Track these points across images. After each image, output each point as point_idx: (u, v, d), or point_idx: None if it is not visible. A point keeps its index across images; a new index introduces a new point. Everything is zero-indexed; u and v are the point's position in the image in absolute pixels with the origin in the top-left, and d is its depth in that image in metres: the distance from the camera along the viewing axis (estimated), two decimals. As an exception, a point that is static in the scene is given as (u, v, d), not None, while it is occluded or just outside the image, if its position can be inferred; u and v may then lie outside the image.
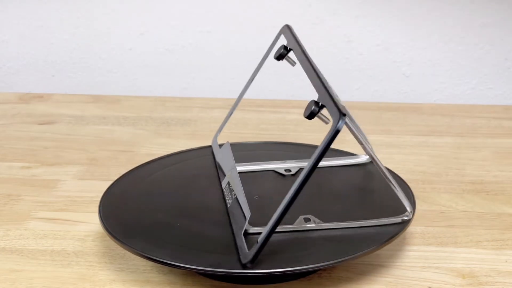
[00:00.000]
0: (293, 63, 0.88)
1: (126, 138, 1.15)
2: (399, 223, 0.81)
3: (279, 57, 0.88)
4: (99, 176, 1.03)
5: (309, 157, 0.92)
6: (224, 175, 0.90)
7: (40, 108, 1.27)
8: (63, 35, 1.35)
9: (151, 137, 1.16)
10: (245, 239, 0.77)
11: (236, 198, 0.83)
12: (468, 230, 0.89)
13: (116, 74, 1.36)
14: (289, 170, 0.93)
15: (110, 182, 0.91)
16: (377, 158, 0.80)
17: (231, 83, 1.34)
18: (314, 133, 1.12)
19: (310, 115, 0.73)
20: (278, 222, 0.73)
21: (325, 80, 0.90)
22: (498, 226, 0.90)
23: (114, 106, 1.28)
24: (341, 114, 0.70)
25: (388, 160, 1.02)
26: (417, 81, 1.32)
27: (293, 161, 0.94)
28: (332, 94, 0.73)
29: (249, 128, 1.18)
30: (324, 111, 0.73)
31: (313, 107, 0.73)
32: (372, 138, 0.96)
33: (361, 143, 0.79)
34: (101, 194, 0.88)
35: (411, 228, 0.89)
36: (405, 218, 0.81)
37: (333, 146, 0.97)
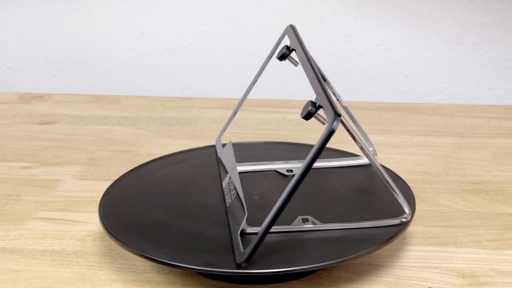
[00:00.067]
0: (295, 64, 0.88)
1: (126, 138, 1.15)
2: (397, 225, 0.81)
3: (282, 57, 0.88)
4: (99, 176, 1.03)
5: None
6: (226, 175, 0.90)
7: (40, 108, 1.28)
8: (63, 35, 1.35)
9: (151, 137, 1.16)
10: (242, 239, 0.77)
11: (235, 198, 0.84)
12: (468, 230, 0.89)
13: (116, 74, 1.36)
14: (291, 171, 0.93)
15: (110, 182, 0.91)
16: (376, 160, 0.79)
17: (231, 83, 1.34)
18: (314, 133, 1.12)
19: (307, 116, 0.73)
20: (272, 222, 0.73)
21: (325, 81, 0.90)
22: (498, 226, 0.90)
23: (114, 106, 1.28)
24: (336, 114, 0.70)
25: (388, 160, 1.02)
26: (417, 81, 1.32)
27: (296, 161, 0.94)
28: (329, 95, 0.73)
29: (249, 128, 1.18)
30: (322, 112, 0.73)
31: (309, 108, 0.73)
32: (372, 138, 0.96)
33: (359, 144, 0.78)
34: (101, 194, 0.88)
35: (411, 228, 0.89)
36: (404, 220, 0.81)
37: (335, 146, 0.98)
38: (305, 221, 0.81)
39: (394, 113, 1.24)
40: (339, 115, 0.70)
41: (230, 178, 0.88)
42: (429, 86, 1.32)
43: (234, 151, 0.91)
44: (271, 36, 1.31)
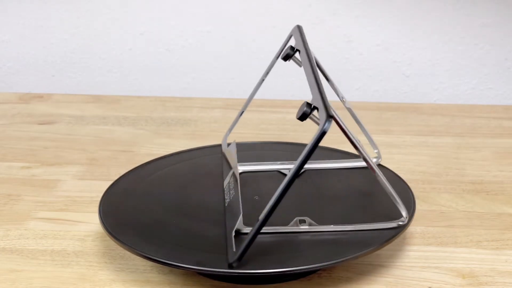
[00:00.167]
0: (300, 64, 0.88)
1: (126, 138, 1.15)
2: (394, 228, 0.80)
3: (286, 57, 0.88)
4: (99, 176, 1.03)
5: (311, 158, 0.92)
6: (227, 175, 0.90)
7: (40, 108, 1.28)
8: (63, 35, 1.35)
9: (151, 137, 1.16)
10: (238, 239, 0.77)
11: (234, 197, 0.84)
12: (468, 230, 0.89)
13: (116, 74, 1.36)
14: None
15: (110, 182, 0.91)
16: (372, 161, 0.79)
17: (231, 83, 1.34)
18: (314, 133, 1.12)
19: (302, 117, 0.74)
20: (264, 223, 0.73)
21: (329, 81, 0.90)
22: (498, 226, 0.90)
23: (114, 106, 1.28)
24: (328, 116, 0.70)
25: (388, 160, 1.02)
26: (417, 81, 1.32)
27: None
28: (324, 97, 0.73)
29: (249, 128, 1.18)
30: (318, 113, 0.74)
31: (305, 109, 0.73)
32: (372, 138, 0.96)
33: (354, 146, 0.78)
34: (101, 194, 0.88)
35: (411, 228, 0.89)
36: (400, 223, 0.81)
37: (338, 147, 0.98)
38: (302, 222, 0.81)
39: (394, 113, 1.24)
40: (331, 116, 0.70)
41: (230, 177, 0.88)
42: (429, 86, 1.32)
43: (238, 151, 0.92)
44: (271, 36, 1.32)
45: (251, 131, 1.17)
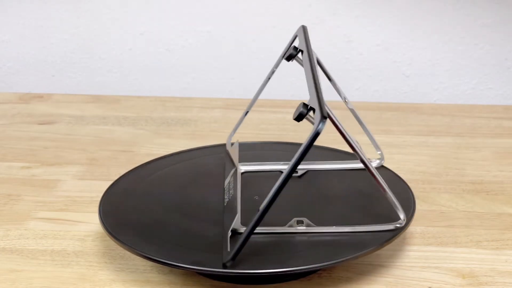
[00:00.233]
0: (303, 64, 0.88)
1: (126, 138, 1.15)
2: (392, 230, 0.80)
3: (289, 57, 0.88)
4: (99, 176, 1.03)
5: (311, 158, 0.92)
6: (228, 174, 0.90)
7: (40, 108, 1.28)
8: (63, 35, 1.35)
9: (151, 137, 1.16)
10: (234, 238, 0.77)
11: (233, 197, 0.84)
12: (468, 230, 0.89)
13: (116, 74, 1.36)
14: (296, 172, 0.93)
15: (110, 182, 0.91)
16: (371, 164, 0.79)
17: (231, 83, 1.34)
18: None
19: (298, 117, 0.74)
20: (257, 223, 0.73)
21: (331, 81, 0.90)
22: (498, 226, 0.90)
23: (114, 106, 1.28)
24: (323, 116, 0.70)
25: (388, 160, 1.01)
26: (417, 81, 1.32)
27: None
28: (321, 98, 0.73)
29: (249, 128, 1.18)
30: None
31: (301, 109, 0.73)
32: (375, 139, 0.96)
33: (352, 147, 0.78)
34: (101, 194, 0.88)
35: (411, 228, 0.89)
36: (398, 225, 0.81)
37: (339, 148, 0.98)
38: (299, 222, 0.81)
39: (394, 113, 1.24)
40: (325, 117, 0.70)
41: (231, 177, 0.89)
42: (429, 86, 1.32)
43: (241, 151, 0.92)
44: (271, 36, 1.32)
45: (251, 131, 1.17)
